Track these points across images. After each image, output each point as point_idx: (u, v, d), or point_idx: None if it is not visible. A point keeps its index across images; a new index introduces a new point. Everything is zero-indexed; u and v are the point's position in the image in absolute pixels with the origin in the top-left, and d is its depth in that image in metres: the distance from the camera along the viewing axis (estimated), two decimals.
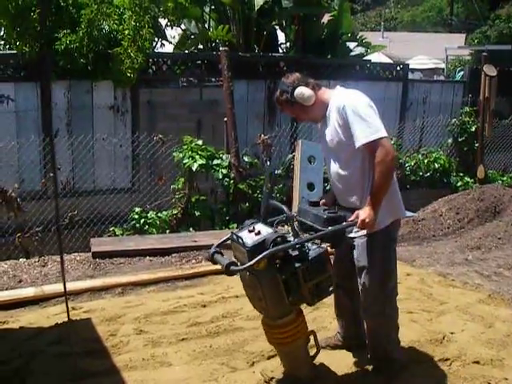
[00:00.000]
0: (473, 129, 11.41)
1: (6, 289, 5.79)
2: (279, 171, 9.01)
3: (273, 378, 3.75)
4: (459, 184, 10.99)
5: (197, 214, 8.02)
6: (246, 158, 8.70)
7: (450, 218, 8.75)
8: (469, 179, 11.17)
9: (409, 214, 9.14)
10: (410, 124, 11.21)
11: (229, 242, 3.41)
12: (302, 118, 3.83)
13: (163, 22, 10.38)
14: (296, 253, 3.16)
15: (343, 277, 3.88)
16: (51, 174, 7.72)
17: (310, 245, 3.28)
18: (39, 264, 6.68)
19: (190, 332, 4.66)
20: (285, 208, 3.37)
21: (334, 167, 3.64)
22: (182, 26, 11.47)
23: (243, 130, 8.80)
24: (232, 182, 8.30)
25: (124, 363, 4.12)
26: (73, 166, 8.21)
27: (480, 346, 4.35)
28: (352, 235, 3.56)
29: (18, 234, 7.33)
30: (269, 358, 4.17)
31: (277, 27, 12.13)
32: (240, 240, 3.14)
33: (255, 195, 8.47)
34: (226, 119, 8.46)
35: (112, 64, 8.03)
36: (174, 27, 10.80)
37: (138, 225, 7.99)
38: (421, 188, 10.58)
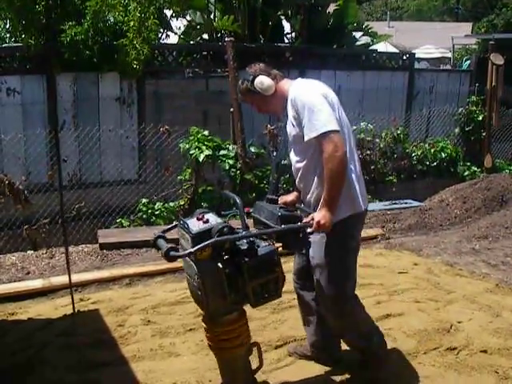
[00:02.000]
0: (480, 118, 11.38)
1: (15, 281, 5.83)
2: (286, 161, 9.00)
3: None
4: (466, 173, 10.97)
5: (204, 204, 8.03)
6: (252, 149, 8.70)
7: (456, 208, 8.73)
8: (476, 168, 11.15)
9: (415, 203, 9.15)
10: (416, 113, 11.18)
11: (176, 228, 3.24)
12: (262, 108, 3.64)
13: (168, 12, 10.37)
14: (245, 247, 2.96)
15: (304, 276, 3.68)
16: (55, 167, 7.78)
17: (261, 242, 3.07)
18: (47, 256, 6.71)
19: (198, 322, 4.66)
20: (237, 200, 3.16)
21: (293, 160, 3.51)
22: (187, 17, 11.46)
23: (249, 120, 8.78)
24: (239, 172, 8.31)
25: (132, 354, 4.14)
26: (79, 157, 8.23)
27: (487, 335, 4.35)
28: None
29: (26, 227, 7.36)
30: (276, 347, 4.19)
31: (282, 17, 12.10)
32: (186, 226, 2.99)
33: (262, 185, 8.48)
34: (232, 110, 8.46)
35: (117, 56, 8.02)
36: (179, 18, 10.79)
37: (145, 216, 8.02)
38: (427, 177, 10.57)
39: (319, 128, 3.16)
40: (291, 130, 3.42)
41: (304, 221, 3.22)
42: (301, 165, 3.43)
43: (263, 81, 3.42)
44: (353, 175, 3.39)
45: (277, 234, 3.19)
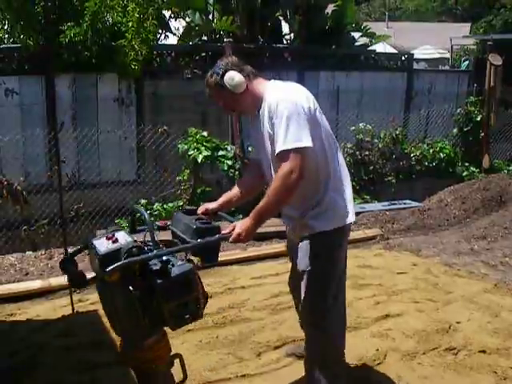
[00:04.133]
0: (478, 118, 11.37)
1: (13, 281, 5.83)
2: None
3: None
4: (465, 174, 10.97)
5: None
6: (251, 149, 8.69)
7: (455, 208, 8.74)
8: (474, 169, 11.16)
9: (414, 204, 9.15)
10: (415, 114, 11.18)
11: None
12: (230, 106, 3.34)
13: (167, 13, 10.37)
14: (157, 267, 2.74)
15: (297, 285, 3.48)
16: (56, 168, 7.77)
17: (177, 261, 2.84)
18: (46, 257, 6.71)
19: (197, 323, 4.63)
20: (145, 215, 2.93)
21: (274, 170, 3.13)
22: (186, 18, 11.45)
23: (248, 120, 8.77)
24: (237, 173, 8.30)
25: None
26: (78, 158, 8.22)
27: (486, 335, 4.36)
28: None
29: (25, 227, 7.36)
30: (275, 348, 4.19)
31: (281, 18, 12.10)
32: (93, 247, 2.76)
33: None
34: None
35: (116, 56, 8.01)
36: (178, 19, 10.80)
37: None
38: (426, 178, 10.55)
39: (287, 143, 2.93)
40: (267, 138, 3.14)
41: (224, 232, 3.01)
42: None
43: (234, 77, 3.13)
44: (342, 186, 3.23)
45: (199, 248, 2.96)
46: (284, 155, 2.93)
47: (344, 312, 3.41)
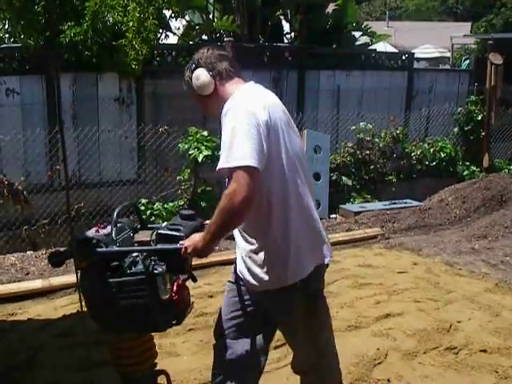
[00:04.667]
0: (479, 117, 11.36)
1: (14, 281, 5.83)
2: None
3: None
4: (465, 173, 10.98)
5: (203, 204, 8.02)
6: None
7: (456, 207, 8.74)
8: (475, 168, 11.16)
9: (415, 203, 9.15)
10: (415, 113, 11.17)
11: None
12: (202, 107, 2.94)
13: (167, 13, 10.37)
14: (115, 263, 2.66)
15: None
16: (57, 167, 7.78)
17: (141, 263, 2.67)
18: (46, 256, 6.70)
19: (197, 322, 4.68)
20: (115, 213, 2.90)
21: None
22: (187, 17, 11.45)
23: None
24: None
25: None
26: (79, 158, 8.22)
27: (487, 334, 4.35)
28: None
29: (25, 227, 7.36)
30: (275, 347, 4.17)
31: (281, 17, 12.10)
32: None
33: None
34: None
35: (117, 56, 8.01)
36: (179, 18, 10.79)
37: (144, 216, 8.01)
38: (427, 177, 10.56)
39: (230, 160, 2.45)
40: None
41: (182, 242, 2.66)
42: None
43: (199, 76, 2.71)
44: (312, 222, 2.73)
45: (157, 254, 2.75)
46: (231, 173, 2.47)
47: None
